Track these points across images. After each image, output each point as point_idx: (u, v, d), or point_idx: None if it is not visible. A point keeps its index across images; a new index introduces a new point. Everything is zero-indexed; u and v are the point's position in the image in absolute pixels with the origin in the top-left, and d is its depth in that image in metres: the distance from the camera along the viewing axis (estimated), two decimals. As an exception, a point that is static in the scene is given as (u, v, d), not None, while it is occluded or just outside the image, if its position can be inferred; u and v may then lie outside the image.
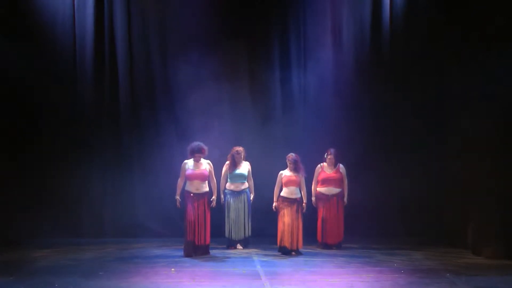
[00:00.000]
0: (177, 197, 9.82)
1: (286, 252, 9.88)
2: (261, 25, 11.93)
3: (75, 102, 11.71)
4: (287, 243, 9.86)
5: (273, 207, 10.10)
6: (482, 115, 9.90)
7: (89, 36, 11.68)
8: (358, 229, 11.30)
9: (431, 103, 11.58)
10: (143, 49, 11.84)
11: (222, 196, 10.50)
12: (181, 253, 9.74)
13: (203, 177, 9.76)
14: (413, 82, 11.79)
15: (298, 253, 9.95)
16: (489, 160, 9.73)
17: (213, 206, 9.96)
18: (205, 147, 9.80)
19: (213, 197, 9.97)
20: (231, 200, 10.46)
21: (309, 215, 10.40)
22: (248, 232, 10.50)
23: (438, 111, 11.43)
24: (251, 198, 10.53)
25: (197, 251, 9.66)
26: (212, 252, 9.97)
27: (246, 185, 10.54)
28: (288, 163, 10.07)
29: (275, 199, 10.08)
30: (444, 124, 11.21)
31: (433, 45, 11.42)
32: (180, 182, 9.84)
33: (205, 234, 9.71)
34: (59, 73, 11.61)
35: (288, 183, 9.97)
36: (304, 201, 10.09)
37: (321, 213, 10.50)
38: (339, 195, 10.56)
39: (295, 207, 9.95)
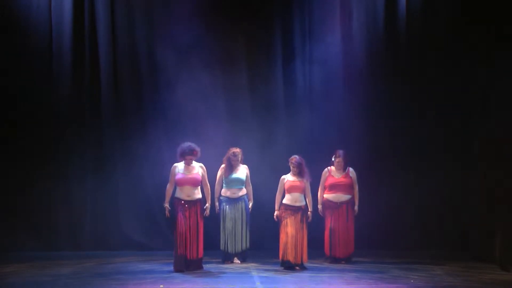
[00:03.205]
0: (166, 205, 9.79)
1: (289, 266, 9.83)
2: (262, 8, 12.01)
3: (51, 101, 11.73)
4: (290, 257, 9.80)
5: (275, 216, 10.08)
6: (509, 118, 10.04)
7: (67, 24, 11.71)
8: (370, 241, 11.38)
9: (452, 102, 11.69)
10: (128, 37, 11.91)
11: (216, 203, 10.48)
12: (171, 268, 9.71)
13: (195, 182, 9.73)
14: (432, 78, 11.87)
15: (302, 267, 9.91)
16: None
17: (207, 215, 9.93)
18: (197, 149, 9.75)
19: (207, 204, 9.94)
20: (227, 208, 10.44)
21: (315, 225, 10.38)
22: (246, 244, 10.48)
23: (461, 112, 11.55)
24: (250, 206, 10.52)
25: (188, 265, 9.62)
26: (206, 266, 9.94)
27: (243, 191, 10.51)
28: (291, 167, 10.02)
29: (276, 207, 10.05)
30: (468, 126, 11.34)
31: (455, 36, 11.57)
32: (169, 188, 9.82)
33: (197, 246, 9.66)
34: (33, 68, 11.68)
35: (291, 189, 9.93)
36: (309, 209, 10.07)
37: (328, 223, 10.49)
38: (349, 203, 10.53)
39: (299, 216, 9.91)
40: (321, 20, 12.02)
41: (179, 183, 9.70)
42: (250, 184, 10.56)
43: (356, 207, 10.55)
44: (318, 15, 12.04)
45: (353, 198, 10.54)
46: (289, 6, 12.09)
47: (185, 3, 11.73)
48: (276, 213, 10.02)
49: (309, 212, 10.03)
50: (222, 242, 10.41)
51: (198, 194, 9.75)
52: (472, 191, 11.09)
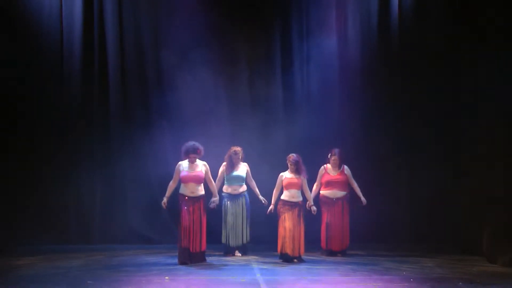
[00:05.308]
0: (165, 199, 9.83)
1: (287, 259, 9.91)
2: (262, 17, 12.10)
3: (61, 100, 11.79)
4: (289, 250, 9.89)
5: (269, 210, 10.10)
6: (498, 118, 10.10)
7: (78, 28, 11.79)
8: (364, 235, 11.38)
9: (445, 103, 11.70)
10: (135, 43, 11.98)
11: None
12: (175, 260, 9.77)
13: (198, 180, 9.80)
14: (426, 78, 11.89)
15: (300, 260, 9.99)
16: (505, 166, 9.89)
17: (214, 207, 10.05)
18: (201, 147, 9.81)
19: (214, 198, 10.03)
20: (228, 203, 10.50)
21: (311, 219, 10.39)
22: (247, 238, 10.56)
23: (452, 113, 11.55)
24: (262, 199, 10.45)
25: (192, 258, 9.69)
26: (209, 259, 10.01)
27: (244, 187, 10.58)
28: (288, 164, 10.09)
29: (272, 201, 10.11)
30: (458, 126, 11.33)
31: (448, 37, 11.58)
32: (171, 184, 9.90)
33: (200, 240, 9.75)
34: (44, 70, 11.73)
35: (289, 185, 10.00)
36: (311, 204, 10.10)
37: (325, 218, 10.54)
38: (344, 199, 10.60)
39: (296, 211, 9.97)
40: (319, 23, 12.02)
41: (183, 180, 9.74)
42: (252, 179, 10.58)
43: (363, 198, 10.52)
44: (315, 18, 12.03)
45: (347, 194, 10.58)
46: (287, 8, 12.08)
47: (188, 7, 11.75)
48: (271, 207, 10.05)
49: (312, 206, 10.05)
50: (224, 236, 10.47)
51: (201, 191, 9.80)
52: (462, 188, 11.08)
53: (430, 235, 11.69)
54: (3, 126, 11.44)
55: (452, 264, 9.79)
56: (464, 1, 11.09)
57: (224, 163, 10.59)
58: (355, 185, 10.62)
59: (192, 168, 9.80)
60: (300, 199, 10.04)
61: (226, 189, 10.56)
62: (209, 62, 11.84)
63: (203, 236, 9.78)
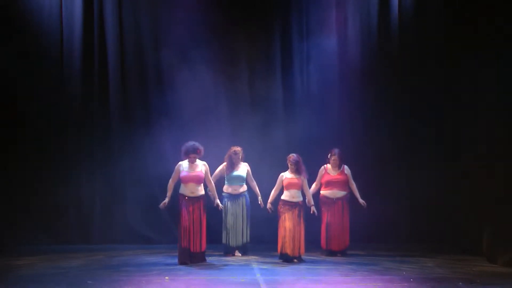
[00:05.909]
0: (166, 200, 9.76)
1: (287, 259, 9.90)
2: (262, 16, 12.13)
3: (61, 101, 11.81)
4: (288, 250, 9.88)
5: (268, 209, 10.11)
6: (498, 118, 10.09)
7: (78, 28, 11.82)
8: (364, 235, 11.39)
9: (445, 103, 11.69)
10: (135, 43, 12.00)
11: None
12: (175, 260, 9.76)
13: (198, 180, 9.78)
14: (423, 78, 11.91)
15: (300, 260, 9.98)
16: (505, 166, 9.88)
17: (221, 207, 10.07)
18: (201, 147, 9.79)
19: (217, 200, 10.01)
20: (228, 203, 10.49)
21: (311, 219, 10.37)
22: (247, 238, 10.55)
23: (453, 113, 11.53)
24: (260, 200, 10.45)
25: (192, 258, 9.68)
26: (209, 259, 10.01)
27: (244, 187, 10.57)
28: (289, 164, 10.08)
29: (270, 199, 10.12)
30: (460, 126, 11.31)
31: (448, 37, 11.59)
32: (170, 184, 9.87)
33: (200, 240, 9.74)
34: (44, 70, 11.74)
35: (289, 186, 9.99)
36: (311, 204, 10.09)
37: (325, 218, 10.53)
38: (344, 199, 10.59)
39: (296, 211, 9.96)
40: (319, 23, 12.04)
41: (183, 180, 9.73)
42: (253, 179, 10.56)
43: (361, 201, 10.49)
44: (315, 18, 12.05)
45: (347, 194, 10.56)
46: (287, 8, 12.11)
47: (188, 7, 11.77)
48: (268, 206, 10.06)
49: (312, 207, 10.03)
50: (224, 236, 10.46)
51: (201, 191, 9.78)
52: (462, 188, 11.08)
53: (430, 235, 11.73)
54: (3, 126, 11.45)
55: (452, 264, 9.78)
56: (464, 1, 11.11)
57: (224, 163, 10.58)
58: (353, 187, 10.60)
59: (192, 168, 9.79)
60: (300, 199, 10.04)
61: (226, 189, 10.56)
62: (209, 62, 11.88)
63: (203, 236, 9.76)
